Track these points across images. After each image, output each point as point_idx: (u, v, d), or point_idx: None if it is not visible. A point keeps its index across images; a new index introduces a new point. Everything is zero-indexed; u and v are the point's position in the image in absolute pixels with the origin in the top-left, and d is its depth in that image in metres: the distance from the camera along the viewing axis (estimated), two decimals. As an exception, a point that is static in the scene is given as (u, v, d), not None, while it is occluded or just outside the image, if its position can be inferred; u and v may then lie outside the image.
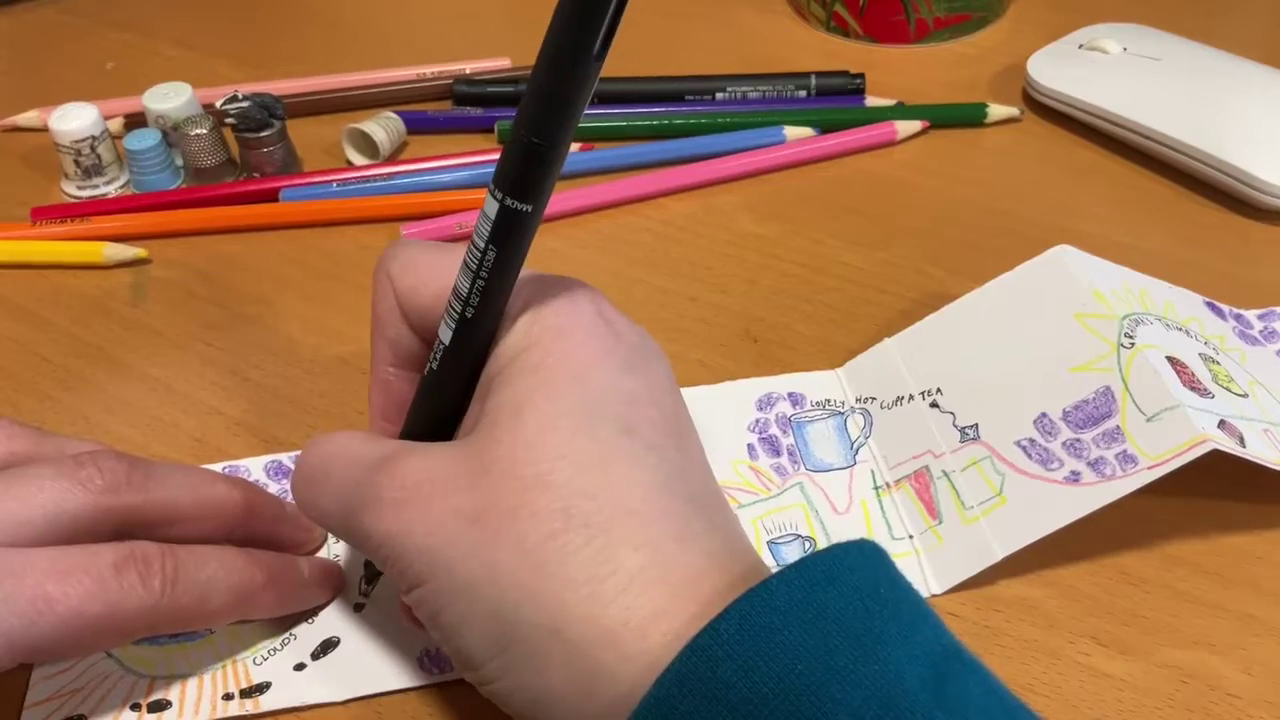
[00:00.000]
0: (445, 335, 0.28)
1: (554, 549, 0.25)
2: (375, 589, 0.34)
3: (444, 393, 0.29)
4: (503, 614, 0.25)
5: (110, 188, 0.51)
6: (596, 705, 0.25)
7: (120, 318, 0.45)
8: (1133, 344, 0.34)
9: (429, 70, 0.57)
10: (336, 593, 0.34)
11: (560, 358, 0.27)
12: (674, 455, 0.27)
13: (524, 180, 0.25)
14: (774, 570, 0.24)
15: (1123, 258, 0.46)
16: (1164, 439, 0.32)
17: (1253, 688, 0.31)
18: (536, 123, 0.24)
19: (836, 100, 0.55)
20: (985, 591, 0.33)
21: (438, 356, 0.29)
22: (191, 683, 0.32)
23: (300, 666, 0.32)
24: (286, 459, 0.38)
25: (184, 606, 0.29)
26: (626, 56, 0.58)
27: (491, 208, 0.25)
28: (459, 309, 0.27)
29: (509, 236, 0.26)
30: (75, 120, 0.49)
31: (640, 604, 0.25)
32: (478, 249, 0.26)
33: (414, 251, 0.31)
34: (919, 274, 0.45)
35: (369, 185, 0.50)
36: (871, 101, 0.54)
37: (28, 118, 0.55)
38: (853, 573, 0.24)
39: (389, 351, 0.31)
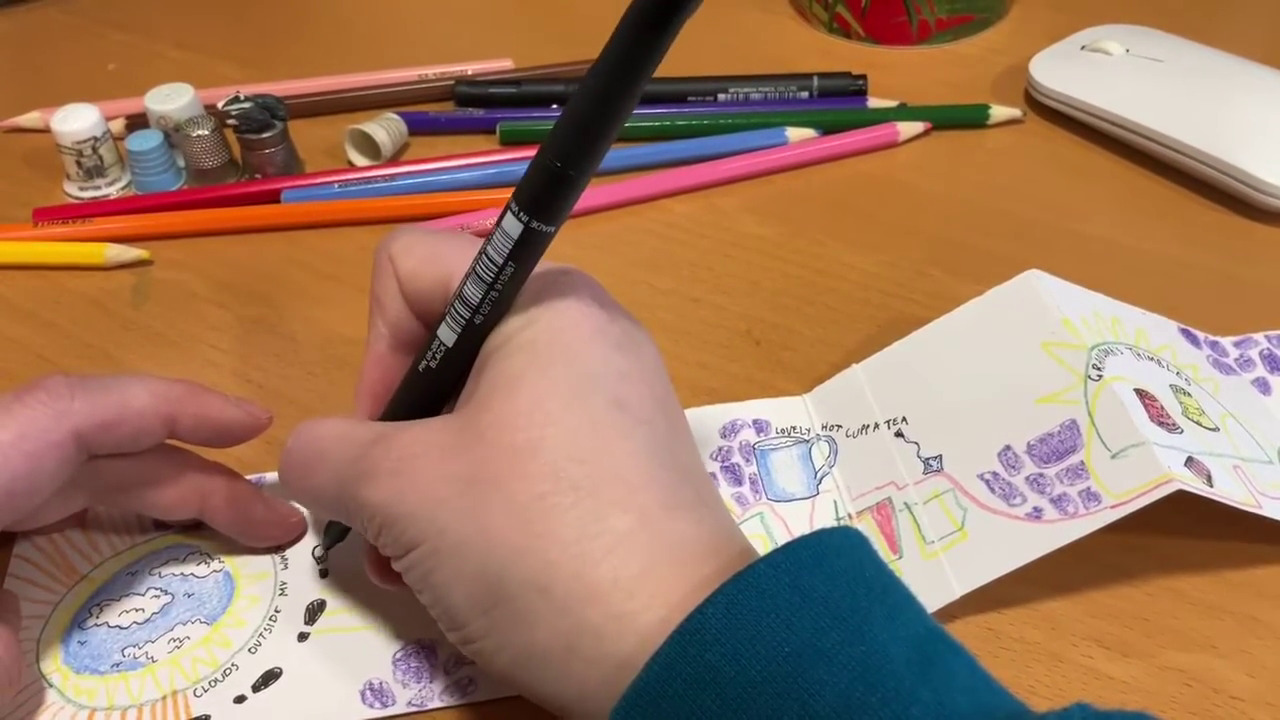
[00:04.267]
0: (448, 337, 0.29)
1: (543, 509, 0.26)
2: (318, 621, 0.33)
3: (438, 388, 0.30)
4: (490, 572, 0.26)
5: (112, 189, 0.51)
6: (581, 662, 0.25)
7: (122, 319, 0.45)
8: (1100, 376, 0.33)
9: (431, 71, 0.57)
10: (282, 528, 0.35)
11: (555, 335, 0.28)
12: (663, 431, 0.28)
13: (550, 204, 0.26)
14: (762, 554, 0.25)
15: (1125, 258, 0.46)
16: (1129, 477, 0.31)
17: (1256, 690, 0.31)
18: (569, 150, 0.25)
19: (839, 101, 0.55)
20: (987, 593, 0.32)
21: (437, 356, 0.29)
22: (131, 714, 0.31)
23: (240, 699, 0.31)
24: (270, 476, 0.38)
25: (102, 405, 0.30)
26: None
27: (514, 228, 0.26)
28: (467, 315, 0.28)
29: (529, 254, 0.27)
30: (77, 121, 0.49)
31: (628, 564, 0.25)
32: (494, 264, 0.27)
33: (415, 236, 0.32)
34: (921, 275, 0.45)
35: (371, 186, 0.50)
36: (874, 103, 0.54)
37: (29, 119, 0.55)
38: (839, 557, 0.25)
39: (386, 332, 0.32)
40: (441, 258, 0.30)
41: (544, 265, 0.29)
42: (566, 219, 0.27)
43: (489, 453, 0.26)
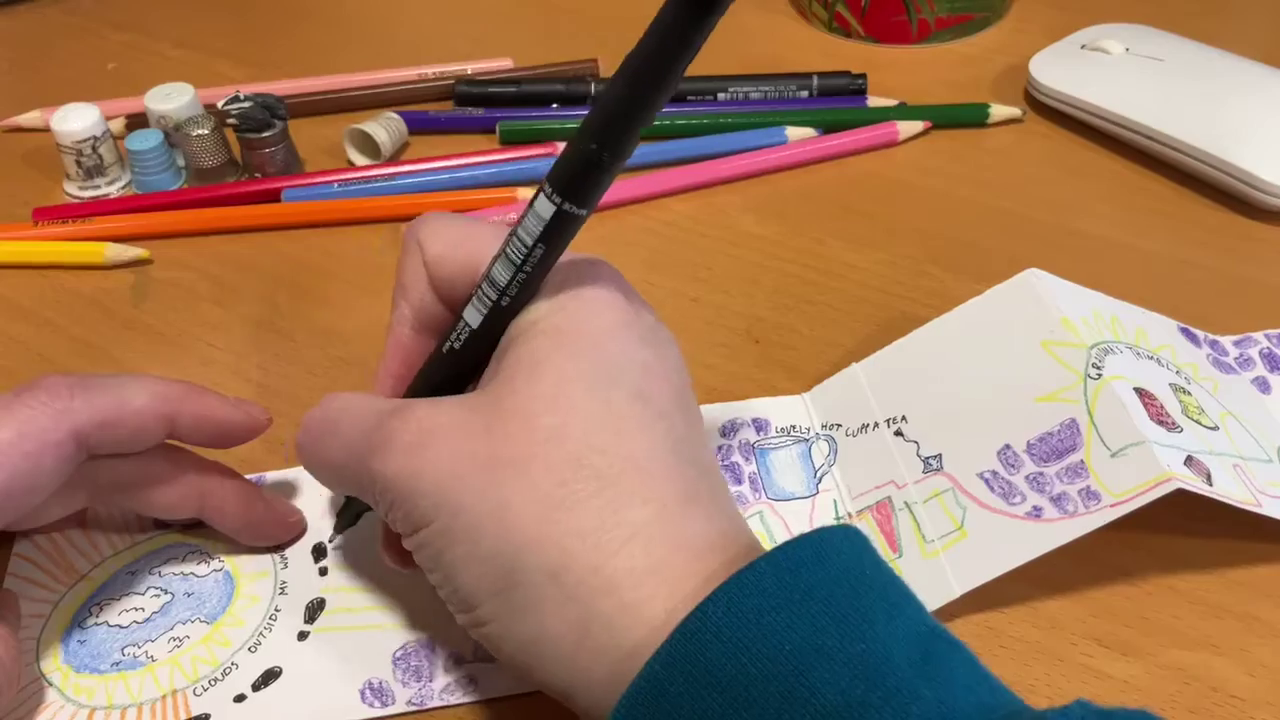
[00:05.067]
0: (473, 319, 0.29)
1: (563, 496, 0.26)
2: (318, 620, 0.33)
3: (461, 370, 0.30)
4: (505, 556, 0.26)
5: (112, 188, 0.51)
6: (588, 651, 0.25)
7: (121, 318, 0.45)
8: (1100, 375, 0.33)
9: (431, 70, 0.57)
10: (281, 526, 0.35)
11: (581, 323, 0.28)
12: (682, 426, 0.28)
13: (584, 187, 0.26)
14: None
15: (1124, 258, 0.46)
16: (1128, 476, 0.31)
17: (1255, 689, 0.31)
18: (606, 135, 0.25)
19: (838, 101, 0.55)
20: (987, 592, 0.33)
21: (461, 337, 0.29)
22: (131, 713, 0.31)
23: (240, 698, 0.31)
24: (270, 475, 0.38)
25: (101, 405, 0.30)
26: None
27: (547, 209, 0.26)
28: (494, 296, 0.28)
29: (560, 236, 0.27)
30: (77, 121, 0.49)
31: (643, 556, 0.25)
32: (524, 245, 0.27)
33: (445, 221, 0.32)
34: (920, 274, 0.45)
35: (371, 186, 0.50)
36: (873, 102, 0.54)
37: (29, 118, 0.55)
38: (839, 555, 0.25)
39: (410, 314, 0.32)
40: (470, 242, 0.30)
41: (570, 255, 0.29)
42: (597, 205, 0.27)
43: (511, 434, 0.26)
